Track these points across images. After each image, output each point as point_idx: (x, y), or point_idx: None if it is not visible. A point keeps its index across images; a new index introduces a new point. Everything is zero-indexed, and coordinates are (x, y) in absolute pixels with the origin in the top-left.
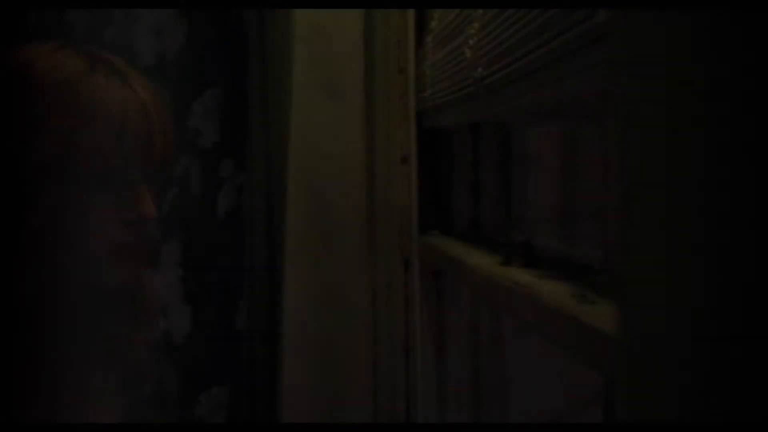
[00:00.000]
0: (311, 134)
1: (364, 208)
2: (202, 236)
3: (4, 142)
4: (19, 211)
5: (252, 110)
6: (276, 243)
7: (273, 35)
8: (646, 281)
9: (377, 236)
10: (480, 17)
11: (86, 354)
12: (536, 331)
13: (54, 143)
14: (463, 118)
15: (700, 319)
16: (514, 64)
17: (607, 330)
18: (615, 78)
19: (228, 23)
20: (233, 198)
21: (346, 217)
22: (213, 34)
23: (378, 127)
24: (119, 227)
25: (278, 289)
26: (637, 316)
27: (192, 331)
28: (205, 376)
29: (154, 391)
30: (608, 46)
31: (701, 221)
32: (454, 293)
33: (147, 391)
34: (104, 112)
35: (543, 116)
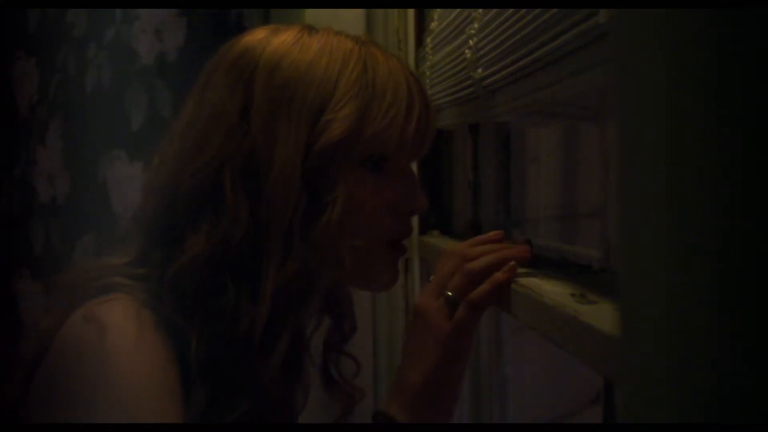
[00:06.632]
0: None
1: None
2: None
3: (293, 128)
4: (315, 200)
5: None
6: None
7: None
8: (646, 281)
9: None
10: (480, 17)
11: (309, 351)
12: (536, 331)
13: (345, 123)
14: (463, 118)
15: (700, 318)
16: (514, 65)
17: (607, 330)
18: (615, 78)
19: (228, 23)
20: None
21: None
22: (213, 34)
23: None
24: (394, 219)
25: None
26: (637, 316)
27: None
28: None
29: None
30: (609, 46)
31: (701, 221)
32: None
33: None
34: (393, 87)
35: (543, 116)
